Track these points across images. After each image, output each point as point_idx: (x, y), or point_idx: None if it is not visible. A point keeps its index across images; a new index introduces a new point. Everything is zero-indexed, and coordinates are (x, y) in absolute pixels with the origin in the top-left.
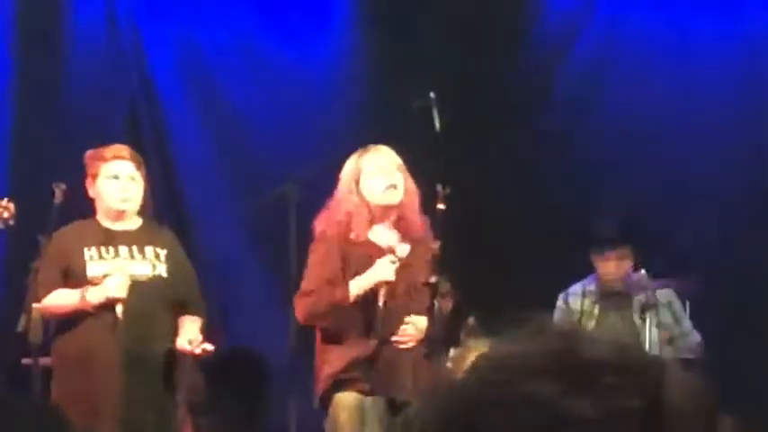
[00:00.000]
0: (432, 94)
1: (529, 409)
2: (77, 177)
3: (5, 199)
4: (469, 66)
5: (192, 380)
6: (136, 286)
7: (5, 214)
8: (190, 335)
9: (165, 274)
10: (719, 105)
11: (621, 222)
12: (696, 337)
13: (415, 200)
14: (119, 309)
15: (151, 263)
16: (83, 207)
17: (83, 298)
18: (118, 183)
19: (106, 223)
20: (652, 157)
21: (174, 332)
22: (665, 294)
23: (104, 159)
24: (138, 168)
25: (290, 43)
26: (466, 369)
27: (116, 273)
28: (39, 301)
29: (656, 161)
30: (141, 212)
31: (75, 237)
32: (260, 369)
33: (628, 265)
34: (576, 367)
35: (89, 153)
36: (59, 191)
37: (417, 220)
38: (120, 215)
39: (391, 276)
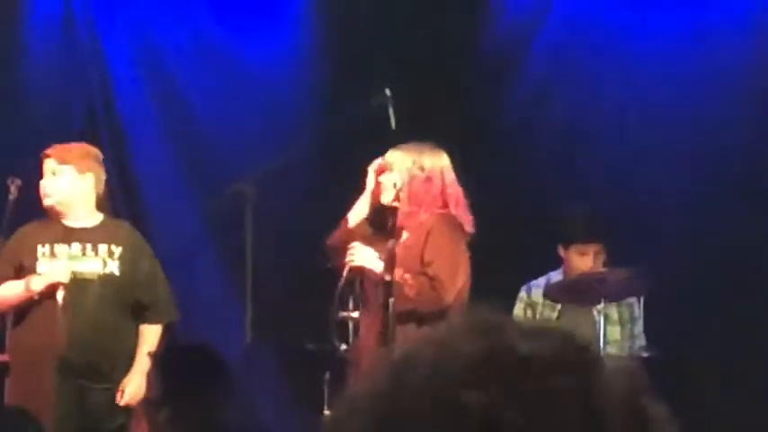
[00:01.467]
0: (387, 92)
1: (455, 419)
2: (32, 173)
3: None
4: (426, 62)
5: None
6: (81, 284)
7: None
8: (128, 381)
9: (116, 272)
10: (679, 101)
11: (594, 217)
12: (642, 341)
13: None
14: (59, 294)
15: (102, 260)
16: (38, 203)
17: (27, 286)
18: (42, 181)
19: (66, 221)
20: (609, 153)
21: (130, 332)
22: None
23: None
24: (63, 161)
25: (248, 40)
26: (385, 373)
27: (57, 262)
28: None
29: (613, 157)
30: (101, 208)
31: (32, 234)
32: (216, 365)
33: (599, 260)
34: (505, 369)
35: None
36: (14, 186)
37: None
38: (58, 211)
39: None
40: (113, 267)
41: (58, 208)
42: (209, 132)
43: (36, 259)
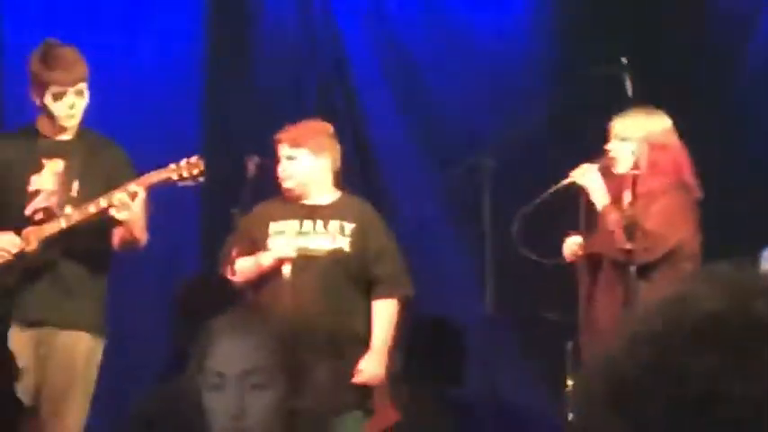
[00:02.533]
0: (623, 60)
1: (677, 386)
2: (269, 150)
3: (195, 156)
4: (663, 30)
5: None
6: (310, 260)
7: (195, 171)
8: (365, 360)
9: (347, 248)
10: None
11: None
12: None
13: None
14: (286, 269)
15: (332, 236)
16: (275, 180)
17: (256, 262)
18: (279, 165)
19: (303, 200)
20: None
21: (360, 310)
22: None
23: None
24: (297, 145)
25: (482, 10)
26: (626, 337)
27: (285, 238)
28: (232, 273)
29: None
30: (338, 185)
31: (266, 212)
32: (457, 338)
33: None
34: (733, 334)
35: None
36: (252, 164)
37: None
38: (293, 194)
39: None
40: (343, 243)
41: (297, 191)
42: (444, 105)
43: (268, 236)
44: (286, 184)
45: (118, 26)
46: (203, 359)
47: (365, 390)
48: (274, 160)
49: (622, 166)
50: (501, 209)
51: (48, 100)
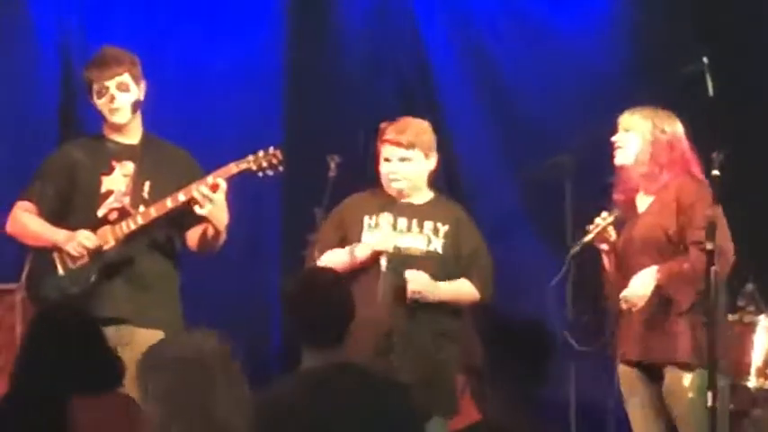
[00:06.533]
0: (704, 59)
1: None
2: (351, 150)
3: (271, 147)
4: (745, 30)
5: (469, 345)
6: (405, 259)
7: (274, 161)
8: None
9: (440, 250)
10: None
11: None
12: None
13: None
14: (383, 261)
15: (427, 238)
16: (357, 180)
17: (351, 253)
18: (388, 165)
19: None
20: None
21: (452, 310)
22: None
23: (381, 141)
24: (411, 147)
25: (562, 9)
26: None
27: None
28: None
29: None
30: (431, 186)
31: (359, 205)
32: (538, 338)
33: None
34: None
35: (381, 126)
36: (334, 163)
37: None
38: (398, 194)
39: None
40: (437, 245)
41: (406, 192)
42: (525, 105)
43: (361, 230)
44: (398, 185)
45: (199, 29)
46: None
47: (450, 390)
48: (372, 157)
49: (625, 156)
50: (582, 208)
51: (94, 100)
